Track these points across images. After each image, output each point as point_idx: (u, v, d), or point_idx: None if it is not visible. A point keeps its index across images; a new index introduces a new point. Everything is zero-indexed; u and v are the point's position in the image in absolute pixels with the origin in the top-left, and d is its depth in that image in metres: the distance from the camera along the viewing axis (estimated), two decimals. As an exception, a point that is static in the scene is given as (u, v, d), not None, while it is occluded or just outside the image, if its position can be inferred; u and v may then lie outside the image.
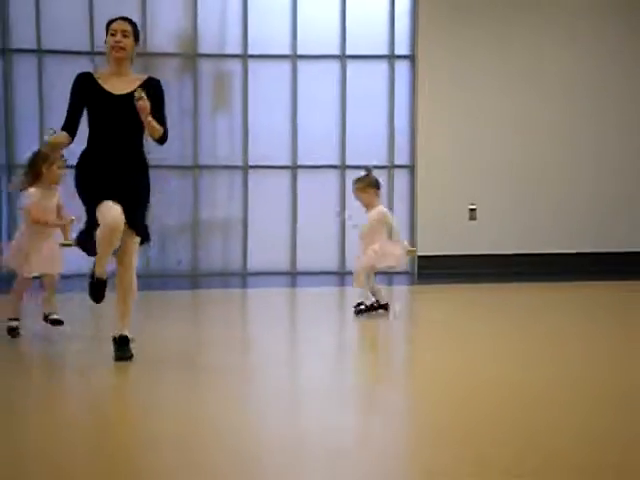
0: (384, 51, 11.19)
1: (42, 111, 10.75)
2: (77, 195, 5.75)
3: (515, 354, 6.48)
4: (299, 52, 11.08)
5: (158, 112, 5.68)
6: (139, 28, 5.91)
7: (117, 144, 5.70)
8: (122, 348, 5.78)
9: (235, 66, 11.09)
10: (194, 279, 10.88)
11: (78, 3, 10.75)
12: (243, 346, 7.05)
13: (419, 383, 5.75)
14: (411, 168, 11.27)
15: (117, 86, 5.76)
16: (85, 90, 5.74)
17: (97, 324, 7.72)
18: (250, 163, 11.13)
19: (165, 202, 10.70)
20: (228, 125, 11.25)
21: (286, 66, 11.12)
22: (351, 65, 11.18)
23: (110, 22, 5.79)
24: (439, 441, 4.42)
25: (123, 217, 5.53)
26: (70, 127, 5.75)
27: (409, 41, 11.19)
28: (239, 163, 11.13)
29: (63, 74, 10.74)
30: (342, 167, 11.22)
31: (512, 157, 11.18)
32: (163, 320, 7.76)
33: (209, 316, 8.62)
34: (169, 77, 10.90)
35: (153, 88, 5.75)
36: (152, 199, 5.97)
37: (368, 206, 7.92)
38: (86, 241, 5.74)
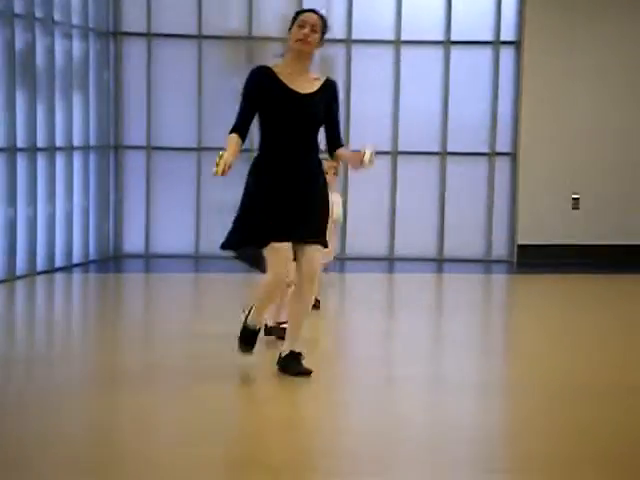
0: (489, 37, 11.06)
1: (150, 94, 10.98)
2: (245, 200, 5.20)
3: (607, 349, 6.37)
4: (403, 38, 11.05)
5: (335, 116, 5.33)
6: (327, 24, 5.31)
7: (300, 149, 5.22)
8: (294, 363, 5.25)
9: (339, 51, 11.12)
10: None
11: (187, -12, 10.94)
12: (343, 331, 7.10)
13: (509, 371, 5.72)
14: (513, 156, 11.13)
15: (301, 85, 5.25)
16: (266, 87, 5.21)
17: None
18: (352, 148, 11.14)
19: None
20: (330, 110, 11.28)
21: (390, 51, 11.10)
22: (455, 51, 11.08)
23: (299, 13, 5.34)
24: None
25: (291, 266, 5.17)
26: (243, 128, 5.21)
27: (515, 27, 11.03)
28: (340, 148, 11.15)
29: (171, 57, 11.02)
30: (443, 154, 11.16)
31: (618, 146, 10.92)
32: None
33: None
34: (272, 61, 10.98)
35: (332, 90, 5.33)
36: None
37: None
38: (239, 246, 5.25)
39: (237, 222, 5.21)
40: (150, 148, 11.02)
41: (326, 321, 7.21)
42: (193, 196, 10.99)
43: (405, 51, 11.08)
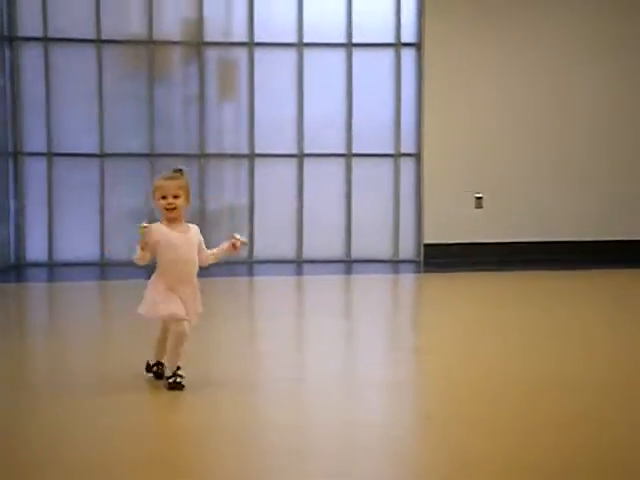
0: (390, 39, 11.17)
1: (49, 99, 10.75)
2: None
3: (514, 345, 6.48)
4: (305, 40, 11.07)
5: None
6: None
7: None
8: None
9: (241, 54, 11.08)
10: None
11: (84, -9, 10.74)
12: (250, 336, 7.07)
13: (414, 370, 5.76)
14: (417, 156, 11.26)
15: None
16: None
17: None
18: (256, 152, 11.13)
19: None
20: (234, 113, 11.24)
21: (292, 54, 11.11)
22: (357, 53, 11.16)
23: None
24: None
25: None
26: None
27: (415, 29, 11.16)
28: (245, 151, 11.12)
29: (69, 62, 10.81)
30: (348, 156, 11.22)
31: (519, 145, 11.16)
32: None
33: (215, 304, 8.64)
34: (174, 65, 10.89)
35: None
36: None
37: (179, 218, 5.26)
38: None
39: None
40: (51, 154, 10.78)
41: (236, 326, 7.16)
42: (96, 203, 10.80)
43: (308, 54, 11.11)
